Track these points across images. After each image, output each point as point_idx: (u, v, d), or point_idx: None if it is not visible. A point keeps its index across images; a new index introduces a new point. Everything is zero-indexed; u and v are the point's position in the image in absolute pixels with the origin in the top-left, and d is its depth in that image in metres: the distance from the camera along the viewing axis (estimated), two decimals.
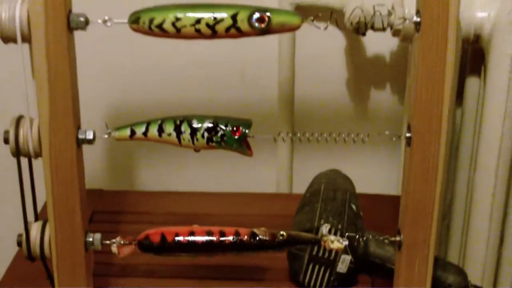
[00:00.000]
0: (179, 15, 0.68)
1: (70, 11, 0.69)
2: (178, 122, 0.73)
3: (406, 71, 1.08)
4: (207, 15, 0.68)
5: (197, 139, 0.73)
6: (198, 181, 1.20)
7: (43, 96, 0.70)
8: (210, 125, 0.72)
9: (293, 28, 0.70)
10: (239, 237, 0.74)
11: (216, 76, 1.12)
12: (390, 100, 1.13)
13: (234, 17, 0.68)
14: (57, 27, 0.68)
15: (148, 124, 0.74)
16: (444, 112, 0.69)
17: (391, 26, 0.93)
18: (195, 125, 0.72)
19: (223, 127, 0.72)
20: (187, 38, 0.69)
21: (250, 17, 0.68)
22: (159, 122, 0.73)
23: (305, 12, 1.06)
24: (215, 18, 0.68)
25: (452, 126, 1.06)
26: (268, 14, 0.68)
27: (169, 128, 0.73)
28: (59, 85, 0.70)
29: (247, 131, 0.72)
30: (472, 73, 1.05)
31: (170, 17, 0.68)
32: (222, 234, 0.74)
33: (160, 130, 0.73)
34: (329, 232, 0.80)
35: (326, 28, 0.70)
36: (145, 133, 0.73)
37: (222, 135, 0.72)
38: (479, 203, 1.03)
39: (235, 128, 0.72)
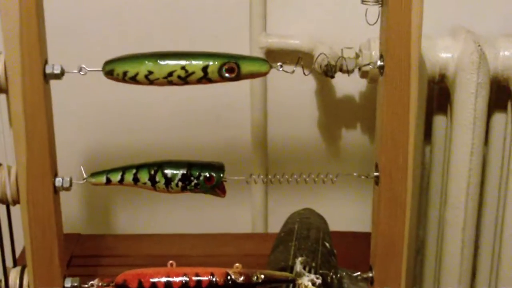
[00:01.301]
0: (151, 69, 0.70)
1: (46, 61, 0.71)
2: (152, 172, 0.74)
3: (376, 111, 1.11)
4: (178, 69, 0.71)
5: (171, 188, 0.75)
6: (174, 223, 1.21)
7: (20, 145, 0.72)
8: (184, 173, 0.74)
9: (262, 75, 0.73)
10: (215, 279, 0.75)
11: (191, 119, 1.15)
12: (361, 139, 1.16)
13: (204, 69, 0.71)
14: (33, 77, 0.70)
15: (123, 172, 0.75)
16: (410, 150, 0.71)
17: (359, 68, 0.96)
18: (169, 175, 0.74)
19: (197, 177, 0.74)
20: (161, 86, 0.72)
21: (220, 69, 0.71)
22: (134, 171, 0.75)
23: (274, 56, 1.08)
24: (186, 71, 0.71)
25: (420, 163, 1.09)
26: (237, 64, 0.71)
27: (144, 178, 0.75)
28: (36, 134, 0.72)
29: (220, 177, 0.74)
30: (439, 111, 1.08)
31: (142, 70, 0.71)
32: (198, 276, 0.76)
33: (135, 179, 0.75)
34: (304, 268, 0.82)
35: (293, 72, 0.72)
36: (120, 181, 0.75)
37: (196, 184, 0.74)
38: (450, 238, 1.05)
39: (208, 177, 0.74)
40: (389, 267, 0.76)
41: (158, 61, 0.71)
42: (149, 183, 0.74)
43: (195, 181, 0.74)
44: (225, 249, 1.07)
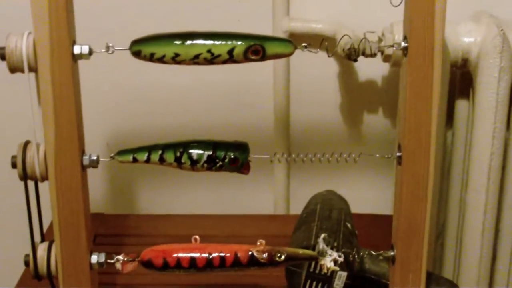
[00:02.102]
0: (178, 51, 0.72)
1: (74, 41, 0.73)
2: (178, 154, 0.76)
3: (398, 95, 1.11)
4: (204, 51, 0.72)
5: (197, 168, 0.76)
6: (196, 204, 1.22)
7: (49, 123, 0.74)
8: (210, 154, 0.75)
9: (286, 55, 0.74)
10: (239, 255, 0.77)
11: (214, 100, 1.16)
12: (382, 123, 1.17)
13: (230, 52, 0.72)
14: (62, 57, 0.72)
15: (150, 152, 0.76)
16: (433, 130, 0.72)
17: (381, 52, 0.97)
18: (195, 157, 0.75)
19: (222, 159, 0.75)
20: (187, 65, 0.73)
21: (245, 51, 0.72)
22: (160, 152, 0.76)
23: (297, 40, 1.09)
24: (212, 54, 0.72)
25: (442, 146, 1.09)
26: (262, 46, 0.72)
27: (170, 159, 0.76)
28: (64, 112, 0.73)
29: (245, 158, 0.75)
30: (461, 95, 1.08)
31: (169, 52, 0.72)
32: (222, 253, 0.77)
33: (161, 159, 0.76)
34: (326, 245, 0.83)
35: (317, 51, 0.73)
36: (146, 161, 0.76)
37: (221, 165, 0.75)
38: (471, 221, 1.06)
39: (233, 158, 0.75)
40: (410, 246, 0.77)
41: (185, 43, 0.72)
42: (175, 163, 0.76)
43: (220, 163, 0.75)
44: (247, 230, 1.08)
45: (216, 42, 0.72)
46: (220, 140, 0.77)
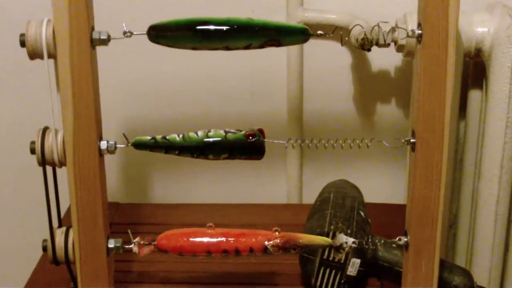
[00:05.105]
0: (196, 46, 0.73)
1: (93, 28, 0.74)
2: (195, 155, 0.77)
3: (411, 85, 1.12)
4: (221, 47, 0.74)
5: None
6: (210, 193, 1.23)
7: (67, 109, 0.75)
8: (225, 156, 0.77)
9: (301, 43, 0.75)
10: (254, 240, 0.78)
11: (227, 89, 1.17)
12: (395, 113, 1.17)
13: (247, 47, 0.74)
14: (81, 43, 0.73)
15: (166, 151, 0.78)
16: (446, 117, 0.73)
17: (395, 42, 0.97)
18: (212, 158, 0.77)
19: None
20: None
21: (262, 45, 0.73)
22: (176, 152, 0.77)
23: (311, 30, 1.10)
24: (229, 49, 0.73)
25: (455, 136, 1.10)
26: (279, 40, 0.73)
27: (188, 156, 0.77)
28: (82, 98, 0.74)
29: (260, 134, 0.76)
30: (474, 86, 1.08)
31: (188, 46, 0.74)
32: (237, 238, 0.78)
33: (178, 155, 0.77)
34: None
35: (333, 32, 0.74)
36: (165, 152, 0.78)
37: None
38: (483, 210, 1.06)
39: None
40: (424, 233, 0.78)
41: (202, 42, 0.73)
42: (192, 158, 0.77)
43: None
44: (261, 219, 1.09)
45: (234, 39, 0.73)
46: (236, 137, 0.77)
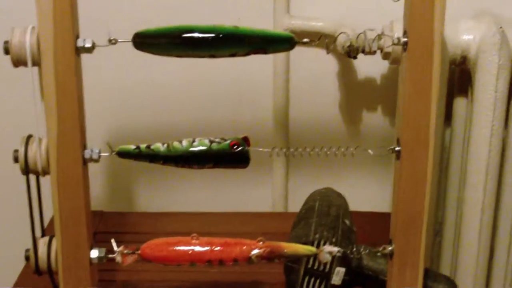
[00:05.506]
0: (181, 53, 0.73)
1: (77, 35, 0.74)
2: (180, 165, 0.77)
3: (397, 93, 1.12)
4: (207, 55, 0.74)
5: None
6: (195, 202, 1.23)
7: (51, 117, 0.74)
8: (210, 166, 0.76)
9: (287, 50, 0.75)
10: (239, 250, 0.77)
11: (213, 97, 1.16)
12: (381, 121, 1.17)
13: (232, 55, 0.73)
14: (65, 51, 0.72)
15: (151, 160, 0.77)
16: (432, 124, 0.73)
17: (381, 49, 0.97)
18: (196, 168, 0.76)
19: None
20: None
21: (247, 54, 0.73)
22: (161, 162, 0.77)
23: (298, 38, 1.10)
24: (214, 57, 0.73)
25: (440, 144, 1.10)
26: (264, 49, 0.73)
27: (172, 165, 0.77)
28: (66, 106, 0.74)
29: (243, 143, 0.76)
30: (459, 93, 1.09)
31: (173, 54, 0.74)
32: (222, 247, 0.78)
33: (163, 164, 0.77)
34: (324, 244, 0.83)
35: (318, 39, 0.73)
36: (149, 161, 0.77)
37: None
38: (469, 219, 1.06)
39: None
40: (408, 241, 0.78)
41: (187, 51, 0.73)
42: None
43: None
44: (246, 227, 1.08)
45: (219, 47, 0.73)
46: (220, 147, 0.76)
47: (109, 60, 1.08)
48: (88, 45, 0.73)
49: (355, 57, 0.90)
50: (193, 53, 0.73)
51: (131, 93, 1.16)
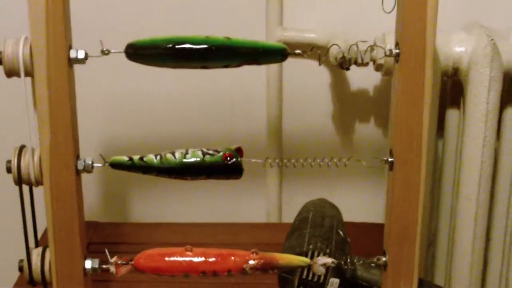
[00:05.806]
0: (174, 64, 0.73)
1: (70, 46, 0.74)
2: (173, 177, 0.77)
3: (390, 104, 1.12)
4: (199, 67, 0.74)
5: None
6: (189, 213, 1.23)
7: (44, 127, 0.74)
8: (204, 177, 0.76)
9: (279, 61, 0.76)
10: (233, 260, 0.77)
11: (206, 107, 1.17)
12: (374, 132, 1.18)
13: (225, 66, 0.73)
14: (58, 62, 0.72)
15: (144, 172, 0.77)
16: (424, 136, 0.73)
17: (373, 61, 0.97)
18: (190, 179, 0.76)
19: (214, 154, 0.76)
20: None
21: (240, 65, 0.73)
22: (154, 173, 0.77)
23: (291, 49, 1.10)
24: (207, 68, 0.74)
25: (433, 155, 1.10)
26: (257, 60, 0.73)
27: (165, 177, 0.77)
28: (59, 117, 0.74)
29: (237, 154, 0.76)
30: (451, 105, 1.09)
31: (165, 64, 0.74)
32: (216, 258, 0.78)
33: (156, 176, 0.77)
34: (318, 255, 0.83)
35: (310, 51, 0.74)
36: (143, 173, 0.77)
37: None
38: (462, 230, 1.06)
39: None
40: (402, 252, 0.78)
41: (180, 62, 0.73)
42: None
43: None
44: (240, 238, 1.08)
45: (212, 59, 0.73)
46: (213, 159, 0.76)
47: (102, 70, 1.08)
48: (81, 56, 0.73)
49: (347, 69, 0.90)
50: (186, 64, 0.73)
51: (124, 104, 1.16)
